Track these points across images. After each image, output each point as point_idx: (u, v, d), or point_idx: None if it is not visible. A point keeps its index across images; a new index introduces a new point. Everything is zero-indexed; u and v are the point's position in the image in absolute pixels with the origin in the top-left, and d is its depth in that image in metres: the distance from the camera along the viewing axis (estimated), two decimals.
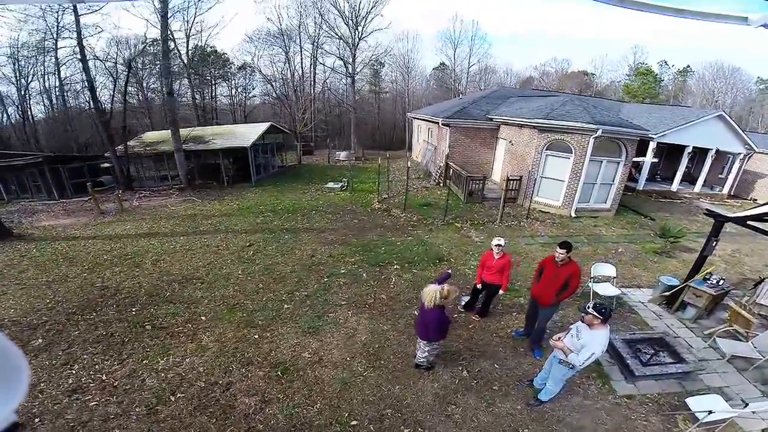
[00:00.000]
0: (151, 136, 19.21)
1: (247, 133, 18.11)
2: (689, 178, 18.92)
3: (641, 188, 17.51)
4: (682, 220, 13.28)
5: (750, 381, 4.95)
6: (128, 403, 4.38)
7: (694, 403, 4.16)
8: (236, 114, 36.11)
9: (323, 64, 33.71)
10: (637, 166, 17.46)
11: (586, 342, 3.62)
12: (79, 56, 15.73)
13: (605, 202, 13.10)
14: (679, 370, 4.93)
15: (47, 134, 27.43)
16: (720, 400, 4.17)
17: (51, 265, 8.50)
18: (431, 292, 4.14)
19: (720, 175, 19.48)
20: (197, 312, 6.42)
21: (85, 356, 5.24)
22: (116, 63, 19.96)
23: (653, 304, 6.86)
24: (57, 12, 19.03)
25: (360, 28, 29.23)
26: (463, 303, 6.48)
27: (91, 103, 17.02)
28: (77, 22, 14.69)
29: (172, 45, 23.17)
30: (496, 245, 5.45)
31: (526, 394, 4.60)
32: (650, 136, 15.77)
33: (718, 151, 17.75)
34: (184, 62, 27.34)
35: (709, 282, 6.35)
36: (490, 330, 5.95)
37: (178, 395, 4.53)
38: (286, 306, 6.60)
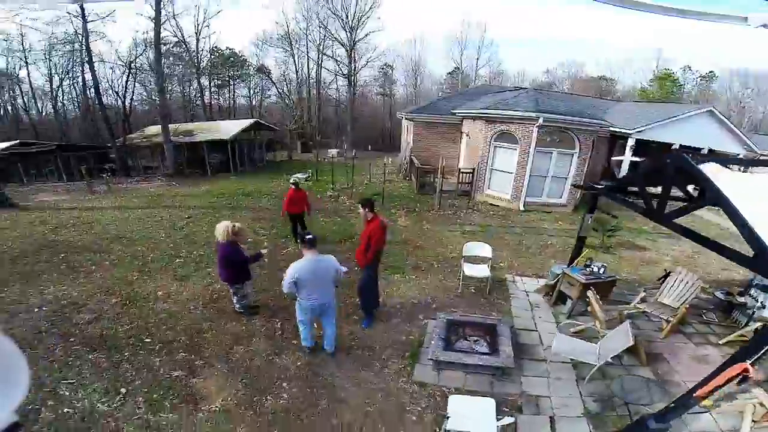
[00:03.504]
0: (152, 129, 21.20)
1: (229, 129, 19.54)
2: None
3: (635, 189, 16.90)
4: (649, 223, 12.84)
5: (581, 394, 3.97)
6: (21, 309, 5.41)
7: (453, 402, 3.36)
8: (253, 113, 38.23)
9: (324, 67, 35.11)
10: (619, 165, 16.94)
11: None
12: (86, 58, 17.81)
13: (560, 197, 12.87)
14: (486, 363, 4.15)
15: (77, 127, 30.84)
16: (485, 407, 3.24)
17: (25, 225, 9.96)
18: (223, 225, 4.74)
19: None
20: (107, 259, 7.50)
21: (10, 283, 6.35)
22: (117, 64, 22.30)
23: (538, 295, 6.20)
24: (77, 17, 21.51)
25: (355, 32, 30.39)
26: None
27: (96, 99, 19.08)
28: (84, 27, 16.73)
29: (182, 47, 25.47)
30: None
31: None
32: (626, 131, 15.33)
33: (711, 151, 16.81)
34: (195, 63, 29.65)
35: (587, 269, 5.45)
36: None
37: (44, 308, 5.53)
38: (177, 260, 7.50)
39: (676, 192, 3.82)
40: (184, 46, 29.38)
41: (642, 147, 16.15)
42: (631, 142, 15.89)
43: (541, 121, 11.26)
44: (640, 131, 15.64)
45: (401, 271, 7.09)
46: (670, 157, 3.50)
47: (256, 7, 70.65)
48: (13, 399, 0.68)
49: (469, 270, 6.20)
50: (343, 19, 31.12)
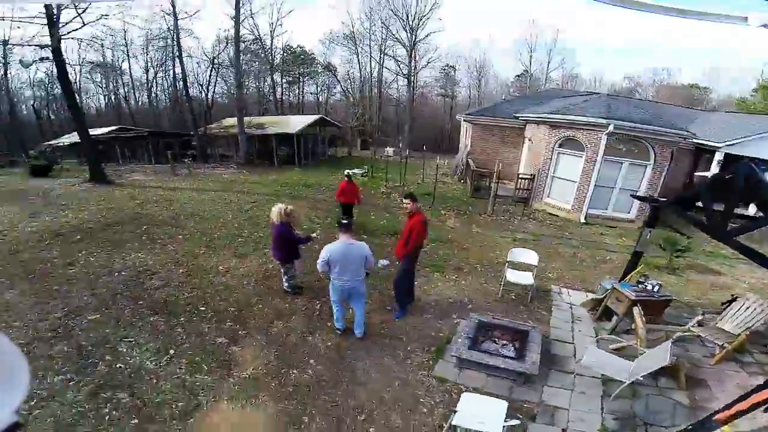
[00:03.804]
0: (229, 121, 23.17)
1: (296, 123, 20.74)
2: None
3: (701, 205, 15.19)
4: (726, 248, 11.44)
5: (602, 411, 3.76)
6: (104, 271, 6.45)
7: (465, 399, 3.41)
8: (319, 109, 40.04)
9: (385, 67, 35.64)
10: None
11: None
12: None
13: (628, 212, 11.96)
14: (509, 367, 4.04)
15: (166, 116, 34.76)
16: (496, 409, 3.19)
17: (118, 199, 11.57)
18: (278, 207, 5.23)
19: None
20: (180, 233, 8.48)
21: (98, 248, 7.51)
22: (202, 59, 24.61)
23: (583, 309, 5.86)
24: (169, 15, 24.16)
25: (415, 32, 30.47)
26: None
27: (184, 91, 21.37)
28: (176, 24, 18.87)
29: (258, 45, 27.50)
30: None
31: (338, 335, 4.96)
32: (713, 144, 13.76)
33: None
34: (269, 60, 31.82)
35: (639, 285, 5.09)
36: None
37: (123, 273, 6.41)
38: (239, 239, 8.26)
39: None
40: (259, 43, 31.68)
41: (733, 163, 14.30)
42: (719, 156, 14.17)
43: (611, 128, 10.54)
44: (730, 145, 13.90)
45: (442, 271, 7.12)
46: (739, 167, 3.19)
47: (323, 7, 73.64)
48: (13, 399, 0.68)
49: (512, 276, 6.05)
50: (403, 20, 31.49)
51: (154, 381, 4.02)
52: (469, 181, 14.02)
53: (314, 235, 5.94)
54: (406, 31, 31.79)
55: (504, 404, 3.26)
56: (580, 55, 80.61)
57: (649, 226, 5.39)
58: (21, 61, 26.44)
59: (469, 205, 12.66)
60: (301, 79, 41.29)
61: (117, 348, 4.51)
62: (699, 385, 4.21)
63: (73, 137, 22.79)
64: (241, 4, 18.96)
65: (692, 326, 4.90)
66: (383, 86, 36.47)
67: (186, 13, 20.48)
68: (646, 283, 5.11)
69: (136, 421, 3.52)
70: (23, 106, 33.31)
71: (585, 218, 11.67)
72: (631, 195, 7.88)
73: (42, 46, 14.30)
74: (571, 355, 4.66)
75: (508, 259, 6.27)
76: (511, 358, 4.25)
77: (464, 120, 17.32)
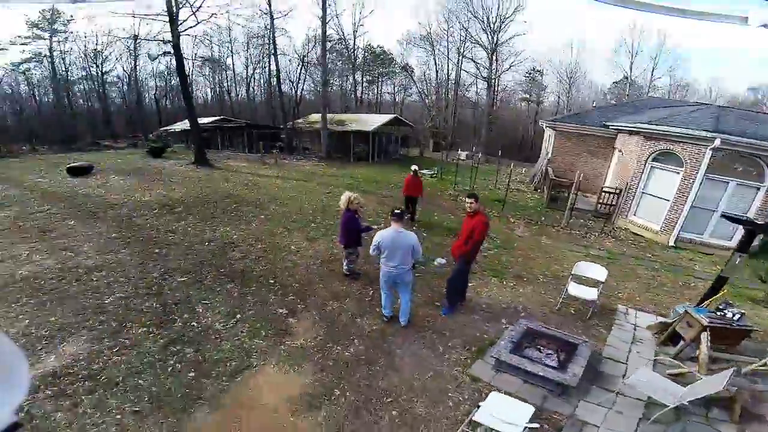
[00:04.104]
0: (314, 117, 24.85)
1: (373, 122, 21.54)
2: None
3: None
4: None
5: (643, 422, 3.55)
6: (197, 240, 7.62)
7: (492, 398, 3.35)
8: (395, 109, 40.87)
9: (463, 69, 34.86)
10: None
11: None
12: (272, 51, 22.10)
13: (730, 239, 10.34)
14: (547, 375, 3.87)
15: (261, 109, 38.40)
16: (521, 412, 3.14)
17: (216, 180, 13.31)
18: (345, 195, 5.77)
19: None
20: (262, 214, 9.57)
21: (195, 219, 8.81)
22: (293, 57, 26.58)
23: (648, 332, 5.32)
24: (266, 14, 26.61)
25: (497, 35, 29.29)
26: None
27: (277, 87, 23.42)
28: (272, 23, 20.82)
29: (342, 44, 29.02)
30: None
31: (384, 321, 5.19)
32: None
33: None
34: (351, 59, 33.29)
35: (717, 313, 4.48)
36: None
37: (212, 243, 7.47)
38: (312, 225, 9.04)
39: None
40: (343, 43, 33.36)
41: None
42: None
43: (717, 142, 9.22)
44: None
45: (501, 276, 6.99)
46: None
47: (403, 7, 74.61)
48: (13, 399, 0.68)
49: (574, 289, 5.73)
50: (483, 22, 30.46)
51: (218, 341, 4.63)
52: (546, 190, 13.31)
53: (375, 227, 6.28)
54: (486, 33, 30.90)
55: (531, 409, 3.19)
56: (695, 62, 70.58)
57: (740, 251, 4.80)
58: (148, 55, 31.29)
59: (543, 216, 12.05)
60: (379, 79, 42.62)
61: (195, 308, 5.27)
62: (755, 420, 3.71)
63: (184, 125, 26.36)
64: (327, 5, 20.24)
65: None
66: (460, 89, 35.93)
67: (280, 12, 22.52)
68: (726, 311, 4.53)
69: (193, 374, 4.02)
70: (146, 95, 39.28)
71: (675, 242, 10.37)
72: (722, 215, 6.87)
73: (164, 41, 16.79)
74: (620, 375, 4.33)
75: (572, 272, 5.95)
76: (552, 367, 4.07)
77: (547, 126, 16.45)
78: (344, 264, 6.27)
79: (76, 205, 9.43)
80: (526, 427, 2.99)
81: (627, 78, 37.95)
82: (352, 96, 38.84)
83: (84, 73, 35.93)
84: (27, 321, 4.69)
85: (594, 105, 22.23)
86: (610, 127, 14.05)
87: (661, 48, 35.99)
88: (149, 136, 28.23)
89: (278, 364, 4.28)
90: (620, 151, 13.16)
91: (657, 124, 10.77)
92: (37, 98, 35.99)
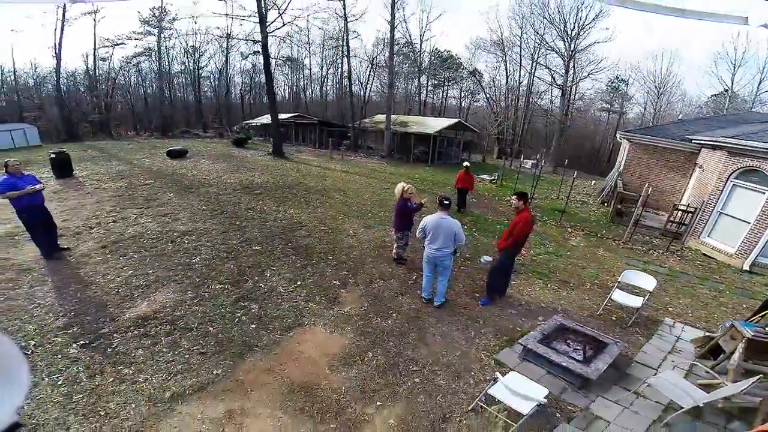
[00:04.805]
0: (379, 117, 25.92)
1: (435, 125, 21.92)
2: None
3: None
4: None
5: (655, 424, 3.58)
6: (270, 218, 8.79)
7: (510, 376, 3.62)
8: (460, 114, 40.71)
9: (536, 76, 33.53)
10: None
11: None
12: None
13: None
14: (569, 367, 4.01)
15: (332, 108, 40.70)
16: (534, 392, 3.34)
17: (289, 170, 14.83)
18: (399, 185, 6.46)
19: None
20: (326, 201, 10.64)
21: (270, 201, 10.07)
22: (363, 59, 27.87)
23: (691, 345, 5.19)
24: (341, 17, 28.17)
25: (574, 42, 27.69)
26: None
27: (348, 87, 24.84)
28: (345, 26, 22.23)
29: (409, 47, 29.72)
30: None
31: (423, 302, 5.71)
32: None
33: None
34: (417, 63, 33.85)
35: (766, 328, 4.25)
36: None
37: (282, 222, 8.57)
38: (369, 214, 9.93)
39: None
40: (410, 46, 34.01)
41: None
42: None
43: None
44: None
45: (546, 278, 7.09)
46: None
47: (472, 12, 72.89)
48: (14, 399, 0.69)
49: (619, 296, 5.72)
50: (560, 29, 29.00)
51: (279, 301, 5.45)
52: (613, 203, 12.71)
53: (424, 201, 6.90)
54: (563, 40, 29.42)
55: (545, 391, 3.40)
56: None
57: None
58: (241, 53, 34.67)
59: (604, 230, 11.60)
60: (445, 83, 42.69)
61: (264, 272, 6.21)
62: None
63: (263, 119, 28.99)
64: (396, 9, 21.02)
65: None
66: (532, 96, 34.75)
67: (353, 15, 23.92)
68: None
69: (254, 326, 4.77)
70: (233, 91, 43.37)
71: (750, 266, 9.47)
72: None
73: (254, 41, 18.74)
74: (645, 378, 4.26)
75: (619, 279, 5.93)
76: (576, 360, 4.19)
77: (621, 137, 15.57)
78: (394, 249, 6.91)
79: (174, 182, 11.21)
80: (536, 405, 3.20)
81: (727, 91, 33.92)
82: (417, 99, 39.47)
83: (182, 67, 40.66)
84: (131, 271, 5.86)
85: (680, 117, 20.45)
86: (693, 141, 13.01)
87: None
88: (233, 128, 31.39)
89: (326, 325, 4.97)
90: (701, 167, 12.16)
91: (744, 139, 9.89)
92: (144, 90, 41.51)
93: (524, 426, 3.36)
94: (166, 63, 38.04)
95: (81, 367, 3.84)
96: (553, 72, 30.98)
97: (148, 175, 11.86)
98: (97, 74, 33.28)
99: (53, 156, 11.18)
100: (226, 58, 37.78)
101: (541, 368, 4.34)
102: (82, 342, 4.21)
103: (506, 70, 35.71)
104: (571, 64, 29.17)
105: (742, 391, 3.20)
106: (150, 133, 32.02)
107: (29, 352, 3.99)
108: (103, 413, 3.35)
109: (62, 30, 26.20)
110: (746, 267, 9.53)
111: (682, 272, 8.69)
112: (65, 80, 32.34)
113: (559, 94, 30.21)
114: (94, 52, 31.94)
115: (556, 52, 29.83)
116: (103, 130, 28.79)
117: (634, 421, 3.69)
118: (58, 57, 26.62)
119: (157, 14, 33.96)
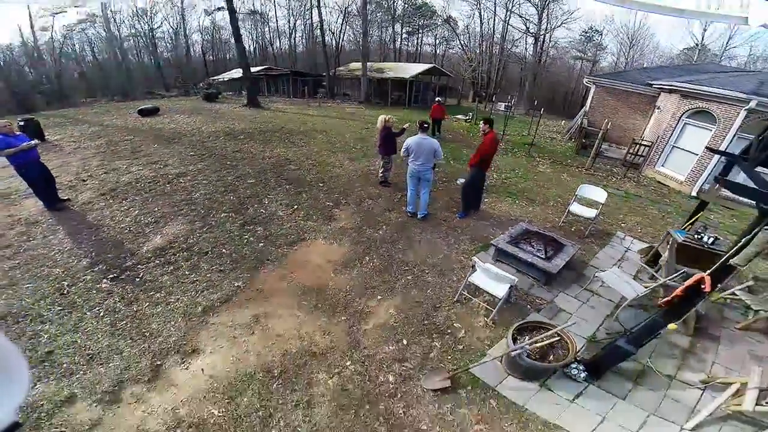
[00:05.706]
0: (354, 65, 25.53)
1: (410, 70, 22.07)
2: None
3: None
4: None
5: (601, 324, 4.23)
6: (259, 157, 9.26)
7: (485, 266, 3.97)
8: (435, 60, 40.07)
9: (510, 24, 33.30)
10: None
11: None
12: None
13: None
14: (534, 263, 4.70)
15: (302, 58, 39.38)
16: (506, 279, 3.84)
17: (268, 117, 14.94)
18: (381, 117, 6.98)
19: None
20: (310, 141, 11.09)
21: (255, 143, 10.40)
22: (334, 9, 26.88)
23: (638, 255, 5.91)
24: None
25: None
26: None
27: (320, 38, 24.16)
28: None
29: None
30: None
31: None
32: None
33: None
34: (391, 11, 32.91)
35: (695, 236, 4.77)
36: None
37: (271, 159, 9.01)
38: (353, 149, 10.53)
39: None
40: None
41: None
42: None
43: (752, 104, 9.26)
44: None
45: (514, 197, 7.95)
46: None
47: None
48: (14, 399, 0.69)
49: (576, 208, 6.48)
50: None
51: (280, 222, 6.05)
52: (578, 137, 13.67)
53: (406, 125, 7.61)
54: None
55: (515, 278, 3.88)
56: None
57: (718, 182, 5.30)
58: (205, 10, 32.50)
59: (569, 159, 12.59)
60: (420, 31, 41.78)
61: (262, 200, 6.75)
62: (707, 338, 4.19)
63: (232, 73, 27.87)
64: None
65: (738, 289, 4.65)
66: (506, 43, 34.58)
67: None
68: (703, 234, 4.88)
69: (262, 244, 5.38)
70: (192, 49, 41.27)
71: (697, 192, 10.74)
72: (706, 147, 6.96)
73: None
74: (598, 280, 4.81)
75: (576, 194, 6.67)
76: (540, 257, 4.86)
77: (588, 81, 16.22)
78: (380, 173, 7.59)
79: (154, 135, 11.10)
80: (509, 287, 3.88)
81: (698, 45, 34.75)
82: (391, 46, 38.57)
83: (133, 31, 38.54)
84: (136, 211, 6.18)
85: (644, 66, 21.25)
86: (653, 85, 13.89)
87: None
88: (200, 84, 30.05)
89: (325, 238, 5.66)
90: (659, 108, 13.13)
91: (697, 84, 10.77)
92: (94, 56, 39.12)
93: (501, 309, 4.11)
94: (116, 28, 36.35)
95: (116, 298, 4.18)
96: (527, 21, 30.86)
97: (125, 132, 11.54)
98: (38, 45, 31.55)
99: (22, 123, 10.62)
100: (183, 17, 35.40)
101: (511, 266, 5.08)
102: (111, 276, 4.53)
103: (480, 17, 35.32)
104: (545, 14, 29.08)
105: (669, 279, 4.04)
106: (110, 98, 30.33)
107: (65, 293, 4.23)
108: (147, 334, 3.72)
109: None
110: (694, 193, 10.77)
111: (636, 195, 9.78)
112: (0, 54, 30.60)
113: (533, 42, 30.27)
114: (30, 22, 29.72)
115: (530, 1, 29.67)
116: (59, 100, 27.13)
117: (592, 314, 4.45)
118: None
119: None
